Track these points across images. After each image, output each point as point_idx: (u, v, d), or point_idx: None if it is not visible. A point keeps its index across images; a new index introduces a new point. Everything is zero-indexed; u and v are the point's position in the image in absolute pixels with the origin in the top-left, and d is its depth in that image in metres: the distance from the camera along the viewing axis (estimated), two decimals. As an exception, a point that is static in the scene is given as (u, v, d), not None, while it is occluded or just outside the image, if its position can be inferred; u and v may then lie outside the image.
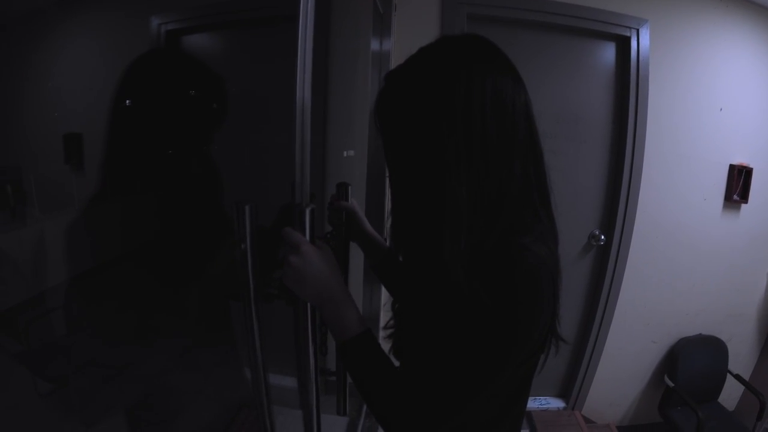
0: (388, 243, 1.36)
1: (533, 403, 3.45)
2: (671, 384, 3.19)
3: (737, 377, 3.33)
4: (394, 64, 1.62)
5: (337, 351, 1.00)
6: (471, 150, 0.89)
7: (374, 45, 2.43)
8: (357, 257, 2.48)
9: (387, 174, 1.08)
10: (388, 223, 1.20)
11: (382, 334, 1.29)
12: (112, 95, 1.08)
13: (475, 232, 0.91)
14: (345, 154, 2.34)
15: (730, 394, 3.50)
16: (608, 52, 2.98)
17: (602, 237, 3.15)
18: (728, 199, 3.18)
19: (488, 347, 0.87)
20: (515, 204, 0.93)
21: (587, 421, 3.29)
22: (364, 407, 2.77)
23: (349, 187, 1.42)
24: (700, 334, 3.37)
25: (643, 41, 2.87)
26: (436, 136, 0.90)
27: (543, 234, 0.94)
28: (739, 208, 3.22)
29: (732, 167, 3.14)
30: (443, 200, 0.91)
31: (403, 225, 1.12)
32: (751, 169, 3.12)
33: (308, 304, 1.05)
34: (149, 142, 1.18)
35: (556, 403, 3.49)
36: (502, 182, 0.91)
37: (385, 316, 2.60)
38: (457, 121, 0.89)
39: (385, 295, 2.83)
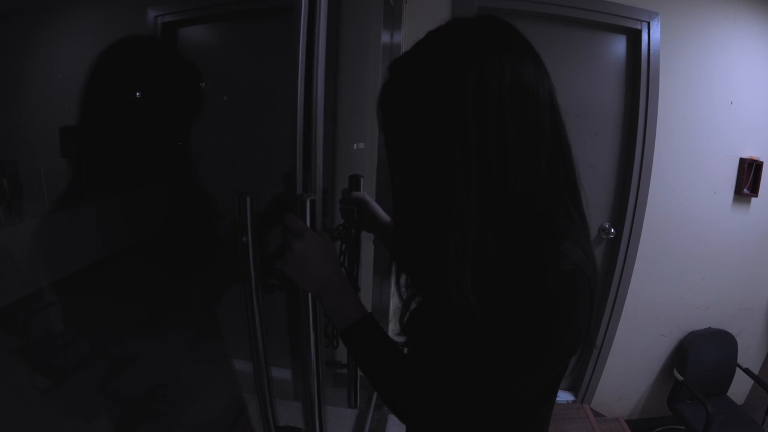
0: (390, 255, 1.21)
1: (542, 397, 3.45)
2: (680, 378, 3.19)
3: (746, 371, 3.33)
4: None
5: (341, 338, 1.00)
6: (485, 150, 0.78)
7: (385, 37, 2.43)
8: (365, 251, 2.49)
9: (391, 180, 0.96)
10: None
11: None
12: (82, 88, 1.06)
13: (491, 246, 0.82)
14: (355, 146, 2.34)
15: (739, 388, 3.50)
16: (619, 45, 2.97)
17: (612, 230, 3.15)
18: (738, 192, 3.16)
19: (515, 355, 0.81)
20: (543, 207, 0.83)
21: (596, 414, 3.29)
22: (374, 399, 2.78)
23: (362, 180, 1.42)
24: (710, 327, 3.36)
25: (654, 34, 2.85)
26: (444, 134, 0.80)
27: (576, 235, 0.84)
28: (749, 201, 3.21)
29: (742, 161, 3.13)
30: (448, 214, 0.81)
31: (405, 237, 0.99)
32: (762, 162, 3.10)
33: (309, 295, 1.04)
34: (116, 135, 1.17)
35: (565, 397, 3.49)
36: (525, 185, 0.80)
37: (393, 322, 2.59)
38: (467, 115, 0.77)
39: (394, 293, 2.82)
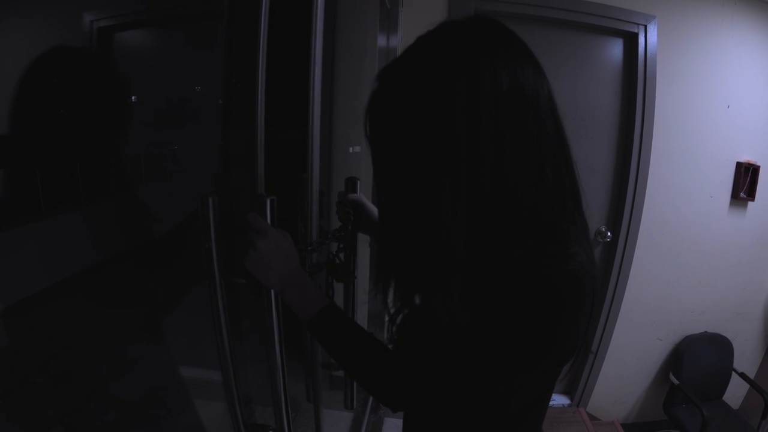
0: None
1: (538, 400, 3.44)
2: (676, 382, 3.19)
3: (742, 375, 3.32)
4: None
5: (308, 330, 1.00)
6: (477, 163, 0.73)
7: (381, 41, 2.44)
8: (362, 253, 2.48)
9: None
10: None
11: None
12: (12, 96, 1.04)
13: (487, 258, 0.78)
14: (351, 150, 2.34)
15: (735, 393, 3.50)
16: (616, 49, 2.97)
17: (608, 234, 3.15)
18: (735, 196, 3.16)
19: (515, 350, 0.79)
20: (548, 214, 0.79)
21: (592, 418, 3.29)
22: (370, 402, 2.78)
23: (358, 182, 1.42)
24: (706, 332, 3.36)
25: (651, 38, 2.85)
26: (430, 148, 0.75)
27: (579, 239, 0.82)
28: (746, 205, 3.21)
29: (739, 165, 3.12)
30: (433, 232, 0.78)
31: (391, 251, 0.94)
32: (758, 166, 3.10)
33: (272, 292, 1.06)
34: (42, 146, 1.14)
35: (560, 400, 3.49)
36: (527, 194, 0.77)
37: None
38: (456, 127, 0.73)
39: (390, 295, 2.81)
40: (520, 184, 0.76)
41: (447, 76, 0.74)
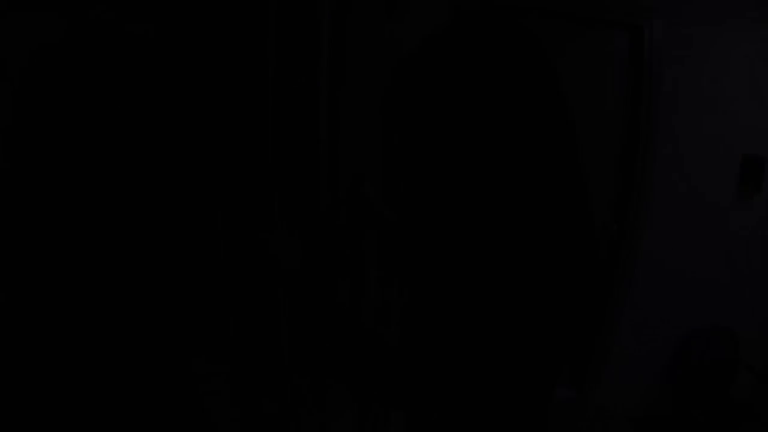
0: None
1: (544, 394, 3.44)
2: (683, 375, 3.18)
3: (750, 369, 3.32)
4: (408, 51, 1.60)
5: (313, 329, 1.01)
6: (500, 154, 0.77)
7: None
8: (369, 248, 2.48)
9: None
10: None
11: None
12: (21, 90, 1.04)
13: (501, 251, 0.80)
14: (364, 143, 2.33)
15: (743, 386, 3.49)
16: (621, 41, 2.96)
17: (615, 226, 3.14)
18: (742, 189, 3.16)
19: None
20: (558, 209, 0.81)
21: (599, 411, 3.28)
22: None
23: (365, 178, 1.42)
24: (713, 325, 3.35)
25: (656, 30, 2.85)
26: (459, 138, 0.79)
27: (585, 234, 0.84)
28: (752, 198, 3.21)
29: (745, 157, 3.12)
30: (457, 219, 0.81)
31: (416, 237, 0.96)
32: (765, 159, 3.10)
33: (279, 287, 1.06)
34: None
35: (568, 394, 3.48)
36: (541, 187, 0.79)
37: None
38: (485, 119, 0.77)
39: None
40: (531, 177, 0.78)
41: (476, 71, 0.77)
